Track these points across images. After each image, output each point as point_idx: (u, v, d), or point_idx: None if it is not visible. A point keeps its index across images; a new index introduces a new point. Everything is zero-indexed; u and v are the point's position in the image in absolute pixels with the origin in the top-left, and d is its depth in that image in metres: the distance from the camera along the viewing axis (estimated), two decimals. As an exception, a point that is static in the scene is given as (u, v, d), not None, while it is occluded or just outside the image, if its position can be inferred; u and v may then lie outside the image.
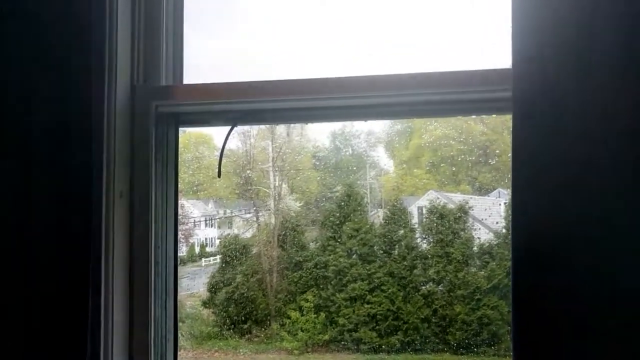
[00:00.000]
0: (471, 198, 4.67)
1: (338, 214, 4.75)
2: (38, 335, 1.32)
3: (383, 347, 4.34)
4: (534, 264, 1.16)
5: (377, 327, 4.40)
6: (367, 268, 4.52)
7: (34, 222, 1.37)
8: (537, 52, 1.25)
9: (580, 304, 1.14)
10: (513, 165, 1.16)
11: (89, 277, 1.30)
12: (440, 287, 4.39)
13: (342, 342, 4.41)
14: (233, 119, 1.51)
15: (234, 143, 5.09)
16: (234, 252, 4.77)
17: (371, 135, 5.44)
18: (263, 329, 4.51)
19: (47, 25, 1.41)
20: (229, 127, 1.58)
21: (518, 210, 1.18)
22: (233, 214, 5.10)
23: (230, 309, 4.56)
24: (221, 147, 1.51)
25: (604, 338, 1.16)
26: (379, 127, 5.68)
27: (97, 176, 1.36)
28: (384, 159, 5.43)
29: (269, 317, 4.53)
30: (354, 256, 4.60)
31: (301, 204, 4.98)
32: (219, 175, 1.53)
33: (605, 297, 1.15)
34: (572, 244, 1.15)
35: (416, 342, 4.35)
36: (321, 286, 4.55)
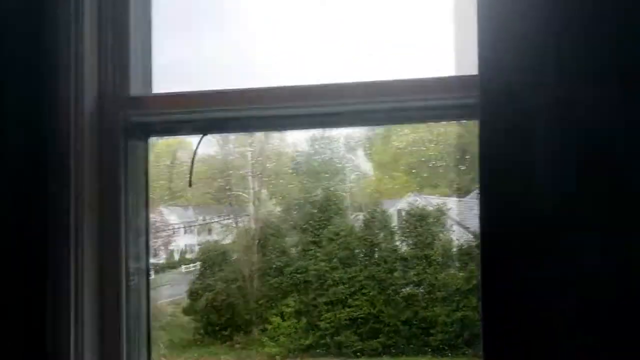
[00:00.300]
0: (449, 200, 4.70)
1: (318, 218, 4.75)
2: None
3: (365, 350, 4.35)
4: (499, 270, 1.17)
5: (359, 330, 4.40)
6: (348, 272, 4.53)
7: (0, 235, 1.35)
8: (503, 58, 1.26)
9: (550, 305, 1.16)
10: (480, 172, 1.18)
11: (49, 291, 1.29)
12: (420, 289, 4.41)
13: (324, 347, 4.41)
14: (203, 128, 1.51)
15: (212, 149, 5.06)
16: (213, 259, 4.75)
17: (350, 139, 5.44)
18: (244, 335, 4.49)
19: (15, 36, 1.39)
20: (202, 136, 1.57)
21: (484, 214, 1.19)
22: (212, 220, 5.08)
23: (211, 315, 4.53)
24: (192, 156, 1.50)
25: (575, 338, 1.18)
26: (358, 130, 5.69)
27: (65, 188, 1.34)
28: (363, 163, 5.43)
29: (250, 323, 4.51)
30: (335, 260, 4.60)
31: (281, 209, 4.98)
32: (190, 185, 1.52)
33: (576, 297, 1.17)
34: (537, 248, 1.16)
35: (397, 344, 4.36)
36: (302, 291, 4.55)
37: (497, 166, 1.23)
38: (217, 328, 4.51)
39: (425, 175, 5.15)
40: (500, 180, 1.22)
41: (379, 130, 5.37)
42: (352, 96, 1.46)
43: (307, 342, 4.41)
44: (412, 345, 4.36)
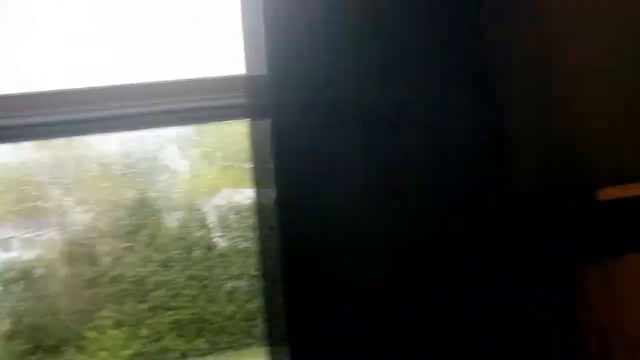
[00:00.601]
0: (265, 192, 4.78)
1: (131, 222, 4.55)
2: None
3: (191, 351, 4.28)
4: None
5: (183, 332, 4.32)
6: (167, 274, 4.41)
7: None
8: (292, 58, 1.29)
9: (336, 295, 1.23)
10: (275, 170, 1.21)
11: None
12: (242, 283, 4.45)
13: (148, 354, 4.26)
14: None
15: (5, 157, 4.59)
16: (15, 277, 4.33)
17: (161, 137, 5.27)
18: (58, 357, 4.17)
19: None
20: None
21: (281, 212, 1.22)
22: (11, 235, 4.61)
23: (16, 340, 4.13)
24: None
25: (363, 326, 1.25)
26: (170, 128, 5.53)
27: None
28: (177, 160, 5.30)
29: (63, 343, 4.19)
30: (153, 264, 4.45)
31: (90, 216, 4.68)
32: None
33: (356, 286, 1.24)
34: (335, 241, 1.22)
35: (224, 341, 4.35)
36: (120, 300, 4.33)
37: (290, 164, 1.26)
38: (24, 353, 4.13)
39: (240, 169, 5.17)
40: (293, 178, 1.26)
41: (191, 127, 5.28)
42: (135, 98, 1.40)
43: (130, 352, 4.23)
44: (239, 339, 4.39)
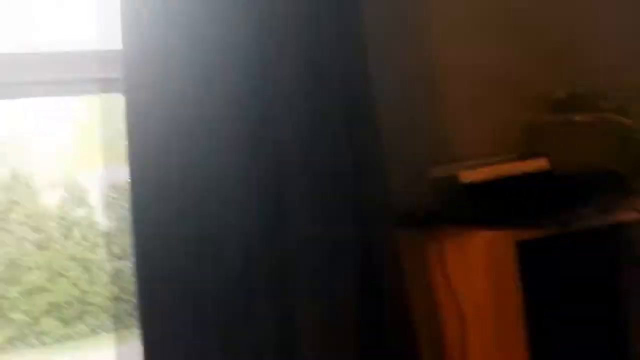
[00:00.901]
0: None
1: (4, 200, 4.25)
2: None
3: (70, 335, 4.09)
4: (152, 250, 1.18)
5: (62, 316, 4.12)
6: (45, 255, 4.17)
7: None
8: (145, 31, 1.23)
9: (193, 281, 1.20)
10: (127, 146, 1.16)
11: None
12: (127, 263, 4.29)
13: (22, 340, 4.03)
14: None
15: None
16: None
17: (36, 110, 4.92)
18: None
19: None
20: None
21: (134, 190, 1.18)
22: None
23: None
24: None
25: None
26: (48, 99, 5.18)
27: None
28: (54, 134, 4.98)
29: None
30: (28, 244, 4.18)
31: (-45, 194, 4.31)
32: None
33: (215, 274, 1.22)
34: (189, 222, 1.20)
35: (107, 323, 4.20)
36: (-10, 283, 4.05)
37: (143, 141, 1.22)
38: None
39: (123, 144, 4.93)
40: (145, 155, 1.22)
41: (70, 99, 4.96)
42: (4, 67, 1.30)
43: (1, 338, 3.97)
44: (123, 321, 4.24)
